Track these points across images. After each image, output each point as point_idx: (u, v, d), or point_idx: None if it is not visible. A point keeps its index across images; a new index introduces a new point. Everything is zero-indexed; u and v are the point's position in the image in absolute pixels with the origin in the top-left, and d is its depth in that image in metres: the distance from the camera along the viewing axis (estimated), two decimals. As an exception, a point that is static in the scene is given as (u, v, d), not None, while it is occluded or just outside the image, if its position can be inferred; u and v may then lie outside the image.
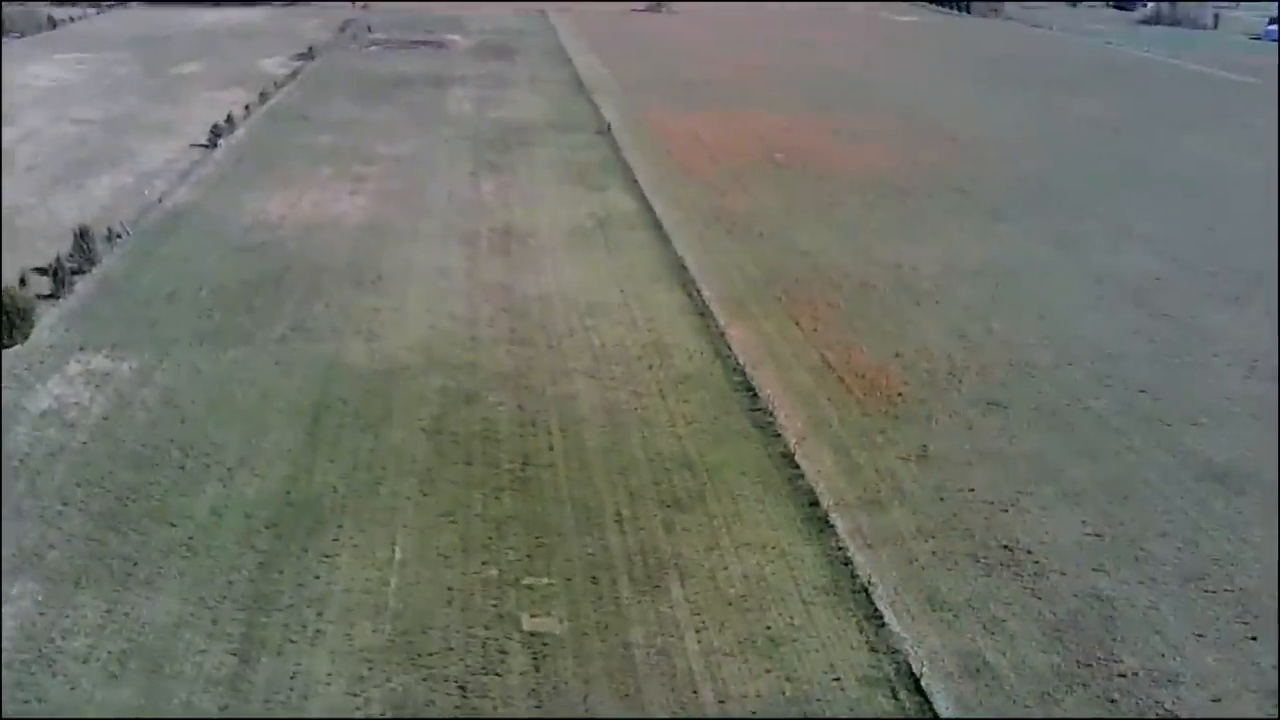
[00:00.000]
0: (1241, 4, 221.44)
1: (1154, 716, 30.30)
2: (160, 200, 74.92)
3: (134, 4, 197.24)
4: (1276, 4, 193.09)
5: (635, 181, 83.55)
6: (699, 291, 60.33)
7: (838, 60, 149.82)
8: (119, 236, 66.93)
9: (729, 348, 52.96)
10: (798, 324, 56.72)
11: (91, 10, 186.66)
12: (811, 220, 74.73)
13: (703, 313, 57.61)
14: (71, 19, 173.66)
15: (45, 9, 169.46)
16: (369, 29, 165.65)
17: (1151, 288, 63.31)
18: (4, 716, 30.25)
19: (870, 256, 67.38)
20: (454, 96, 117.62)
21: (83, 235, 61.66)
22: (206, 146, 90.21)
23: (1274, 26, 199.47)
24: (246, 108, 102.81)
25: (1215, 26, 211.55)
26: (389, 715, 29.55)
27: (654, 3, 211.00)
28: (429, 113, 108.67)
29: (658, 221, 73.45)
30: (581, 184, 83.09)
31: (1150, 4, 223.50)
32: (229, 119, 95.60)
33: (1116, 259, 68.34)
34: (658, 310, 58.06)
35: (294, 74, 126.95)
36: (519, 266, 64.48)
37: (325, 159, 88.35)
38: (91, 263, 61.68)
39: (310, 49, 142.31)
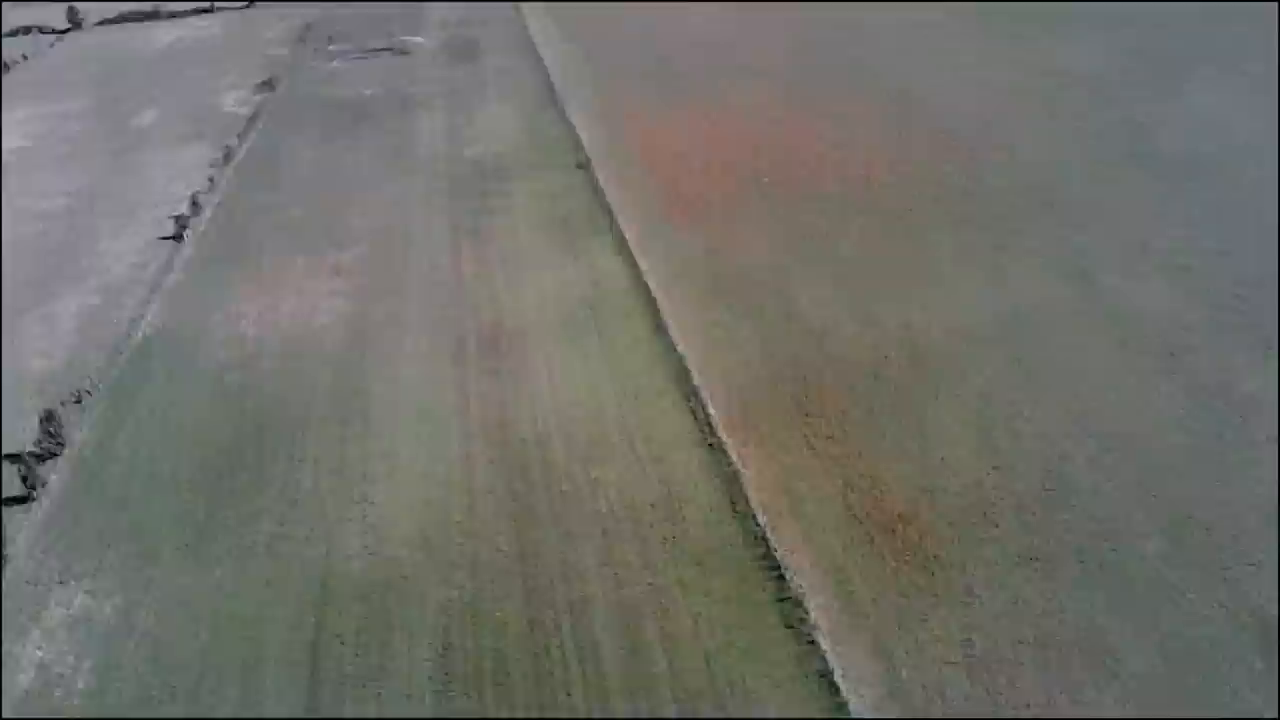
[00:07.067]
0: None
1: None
2: (128, 334, 71.14)
3: (92, 28, 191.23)
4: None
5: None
6: (705, 410, 56.84)
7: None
8: (88, 394, 63.59)
9: (746, 499, 49.68)
10: (811, 446, 53.36)
11: (44, 41, 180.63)
12: (809, 272, 70.08)
13: (712, 443, 54.25)
14: (24, 56, 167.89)
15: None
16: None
17: (1177, 337, 58.86)
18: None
19: (878, 325, 62.98)
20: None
21: (49, 418, 58.34)
22: (174, 239, 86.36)
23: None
24: (210, 179, 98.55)
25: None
26: None
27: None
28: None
29: (652, 299, 69.50)
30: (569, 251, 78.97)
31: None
32: (194, 202, 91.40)
33: (1136, 293, 63.79)
34: (664, 446, 54.43)
35: (256, 115, 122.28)
36: (511, 391, 60.25)
37: (298, 245, 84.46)
38: (61, 444, 58.29)
39: (270, 79, 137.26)
